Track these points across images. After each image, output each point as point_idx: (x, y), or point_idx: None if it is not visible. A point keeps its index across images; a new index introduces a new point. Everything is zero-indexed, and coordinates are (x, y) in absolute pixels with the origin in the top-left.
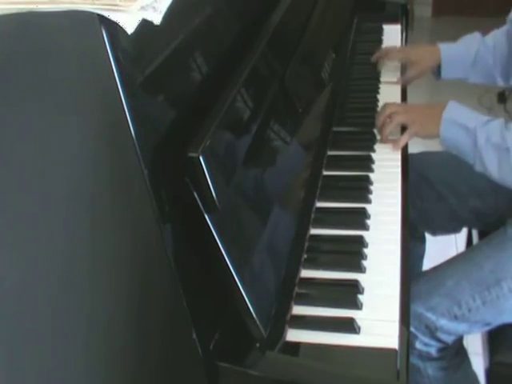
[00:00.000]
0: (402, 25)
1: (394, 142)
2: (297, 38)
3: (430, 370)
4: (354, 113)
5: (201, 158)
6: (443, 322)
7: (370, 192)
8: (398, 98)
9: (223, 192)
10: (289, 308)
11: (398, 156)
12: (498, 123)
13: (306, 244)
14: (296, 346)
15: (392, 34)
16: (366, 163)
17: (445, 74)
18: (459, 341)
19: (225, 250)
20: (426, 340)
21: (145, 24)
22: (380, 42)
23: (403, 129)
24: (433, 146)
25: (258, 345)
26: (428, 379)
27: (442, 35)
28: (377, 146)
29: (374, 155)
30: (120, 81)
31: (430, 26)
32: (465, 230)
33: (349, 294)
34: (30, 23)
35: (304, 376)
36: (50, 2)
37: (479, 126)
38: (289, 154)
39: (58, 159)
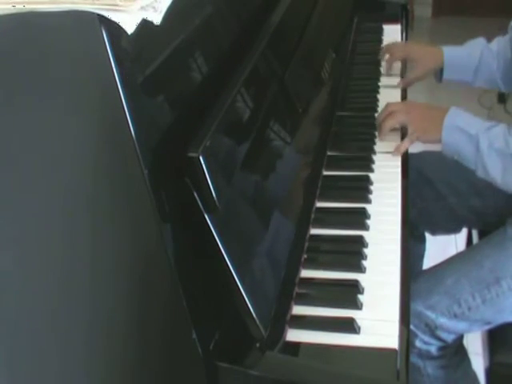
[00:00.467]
0: (401, 25)
1: (395, 148)
2: (297, 37)
3: (430, 368)
4: (354, 113)
5: (201, 158)
6: (443, 321)
7: (369, 192)
8: (398, 98)
9: (223, 192)
10: (289, 308)
11: (398, 156)
12: (501, 128)
13: (306, 244)
14: (296, 346)
15: (392, 34)
16: (366, 163)
17: (447, 76)
18: (459, 340)
19: (225, 250)
20: (426, 338)
21: (145, 24)
22: (380, 41)
23: (403, 135)
24: (433, 145)
25: (257, 345)
26: (428, 378)
27: (442, 35)
28: (377, 146)
29: (374, 155)
30: (120, 81)
31: (430, 26)
32: (465, 230)
33: (349, 293)
34: (30, 23)
35: (304, 376)
36: (51, 1)
37: (481, 131)
38: (289, 154)
39: (58, 159)
